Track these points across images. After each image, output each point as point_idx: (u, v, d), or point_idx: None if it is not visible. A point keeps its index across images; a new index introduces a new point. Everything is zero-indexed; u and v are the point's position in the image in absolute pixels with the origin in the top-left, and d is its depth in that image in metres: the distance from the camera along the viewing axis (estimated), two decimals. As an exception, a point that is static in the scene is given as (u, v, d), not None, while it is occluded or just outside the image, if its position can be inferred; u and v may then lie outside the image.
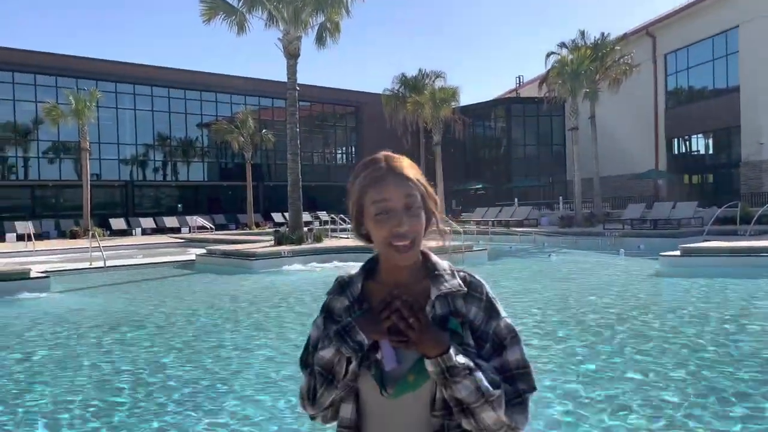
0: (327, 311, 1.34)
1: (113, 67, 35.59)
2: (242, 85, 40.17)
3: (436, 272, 1.27)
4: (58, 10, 74.41)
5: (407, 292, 1.21)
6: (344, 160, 48.76)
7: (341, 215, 25.33)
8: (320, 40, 20.44)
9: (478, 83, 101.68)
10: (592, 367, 5.67)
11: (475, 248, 16.90)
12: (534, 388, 1.23)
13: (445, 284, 1.25)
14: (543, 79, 29.83)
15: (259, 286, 12.37)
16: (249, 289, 11.97)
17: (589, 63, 26.95)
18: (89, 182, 29.57)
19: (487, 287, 1.28)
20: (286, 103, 20.24)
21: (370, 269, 1.34)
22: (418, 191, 1.25)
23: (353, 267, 1.37)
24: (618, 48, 28.13)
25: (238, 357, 6.54)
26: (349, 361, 1.21)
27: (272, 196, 40.14)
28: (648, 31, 34.36)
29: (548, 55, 28.47)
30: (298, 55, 19.53)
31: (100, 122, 33.54)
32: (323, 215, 31.66)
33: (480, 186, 42.26)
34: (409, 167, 1.27)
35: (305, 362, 1.32)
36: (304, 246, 17.48)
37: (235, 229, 34.51)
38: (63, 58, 33.94)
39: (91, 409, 4.82)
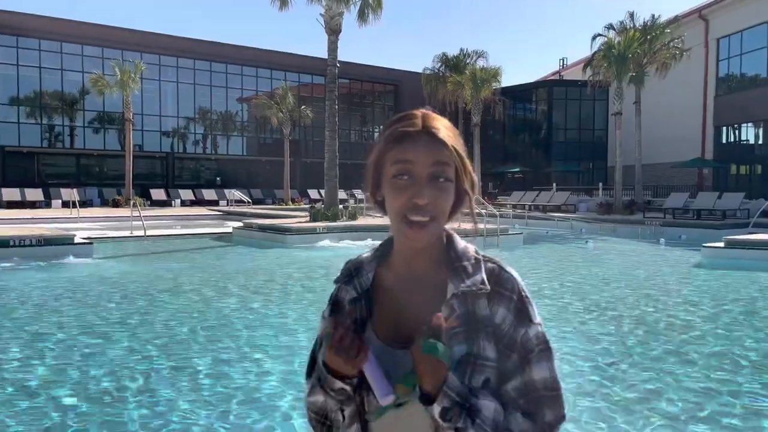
0: (334, 303, 1.14)
1: (157, 39, 36.08)
2: (283, 61, 40.33)
3: (456, 263, 1.05)
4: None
5: (421, 287, 1.06)
6: (381, 139, 48.68)
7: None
8: (362, 16, 20.30)
9: (520, 65, 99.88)
10: (626, 358, 5.58)
11: (510, 232, 16.74)
12: (563, 417, 1.01)
13: (466, 280, 1.03)
14: (588, 62, 29.09)
15: (293, 260, 12.52)
16: (283, 263, 12.12)
17: (638, 46, 26.14)
18: (132, 153, 30.23)
19: (521, 283, 1.05)
20: (326, 79, 20.22)
21: (383, 254, 1.14)
22: (451, 161, 1.01)
23: (368, 248, 1.18)
24: (668, 31, 27.18)
25: (268, 326, 6.64)
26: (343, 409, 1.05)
27: (309, 173, 40.43)
28: (701, 14, 33.07)
29: (594, 37, 27.73)
30: (340, 31, 19.46)
31: (144, 94, 34.14)
32: (358, 193, 31.75)
33: (517, 169, 41.74)
34: (449, 131, 1.04)
35: (311, 367, 1.13)
36: (338, 223, 17.58)
37: (272, 204, 34.93)
38: (109, 30, 34.56)
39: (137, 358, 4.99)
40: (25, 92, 33.67)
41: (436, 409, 0.94)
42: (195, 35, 40.16)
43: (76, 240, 12.86)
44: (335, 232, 16.34)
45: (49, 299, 8.17)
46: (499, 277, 1.04)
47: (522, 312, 1.02)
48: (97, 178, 35.48)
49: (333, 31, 19.30)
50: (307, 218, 18.35)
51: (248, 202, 32.72)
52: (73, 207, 23.69)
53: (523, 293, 1.04)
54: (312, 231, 16.11)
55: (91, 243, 12.88)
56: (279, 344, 5.95)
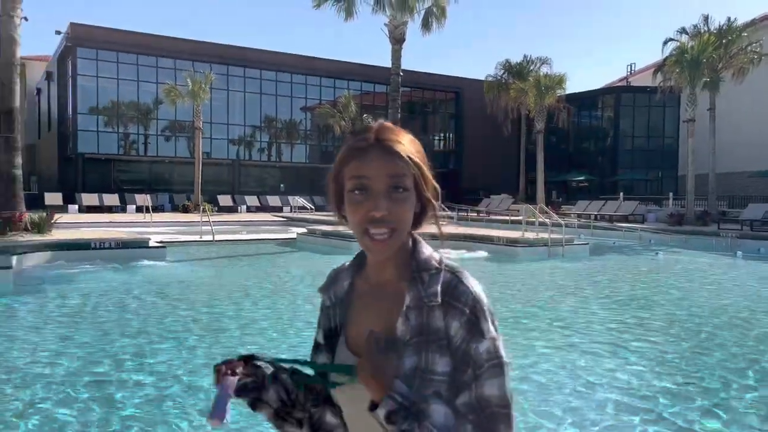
0: (320, 308, 1.19)
1: (226, 50, 37.35)
2: (346, 70, 40.93)
3: (415, 273, 1.04)
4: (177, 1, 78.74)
5: (384, 296, 1.07)
6: (441, 146, 48.63)
7: (438, 202, 25.27)
8: (426, 25, 20.43)
9: (585, 71, 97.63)
10: (698, 374, 5.36)
11: (576, 242, 16.37)
12: None
13: (421, 292, 1.02)
14: (658, 67, 28.18)
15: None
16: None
17: (712, 50, 25.11)
18: (201, 160, 31.35)
19: (479, 296, 1.00)
20: (389, 88, 20.41)
21: (359, 263, 1.14)
22: (408, 171, 1.01)
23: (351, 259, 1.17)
24: (745, 35, 26.02)
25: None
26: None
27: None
28: (781, 16, 31.49)
29: (666, 42, 26.84)
30: (403, 40, 19.62)
31: (212, 103, 35.35)
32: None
33: (582, 178, 40.78)
34: (404, 142, 1.03)
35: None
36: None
37: (334, 210, 35.33)
38: (182, 42, 36.05)
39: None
40: (103, 103, 35.49)
41: (381, 412, 0.94)
42: (262, 46, 41.29)
43: (151, 244, 13.45)
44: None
45: (131, 299, 8.59)
46: (455, 290, 1.01)
47: (474, 326, 0.98)
48: (168, 184, 36.92)
49: (397, 40, 19.48)
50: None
51: (311, 208, 33.30)
52: (146, 212, 24.76)
53: (477, 306, 0.99)
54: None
55: (164, 247, 13.44)
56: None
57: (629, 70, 47.29)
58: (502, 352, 0.99)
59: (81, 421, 4.11)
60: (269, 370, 1.16)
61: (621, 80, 47.21)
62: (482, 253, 14.80)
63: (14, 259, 10.46)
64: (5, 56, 14.45)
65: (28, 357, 5.64)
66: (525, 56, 37.69)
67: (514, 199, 33.37)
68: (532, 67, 37.04)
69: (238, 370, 1.10)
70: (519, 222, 19.61)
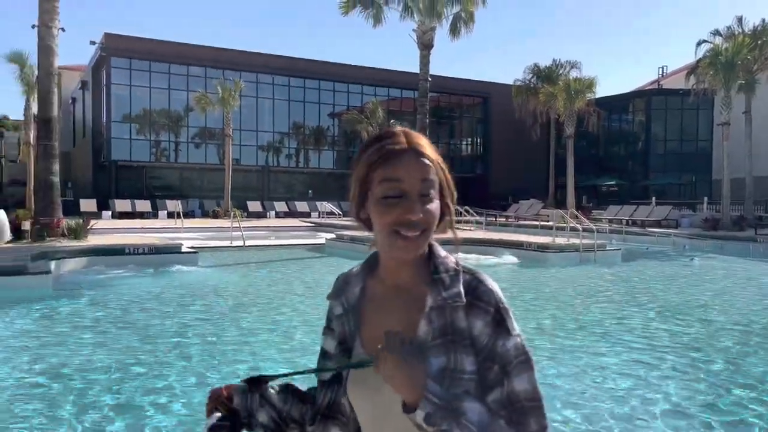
0: (327, 318, 1.18)
1: (255, 58, 37.80)
2: (373, 76, 41.07)
3: (435, 275, 1.06)
4: (206, 10, 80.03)
5: (403, 299, 1.08)
6: (469, 151, 48.45)
7: (466, 207, 25.21)
8: (454, 30, 20.41)
9: (615, 75, 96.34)
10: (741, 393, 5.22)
11: (608, 247, 16.12)
12: (546, 427, 1.01)
13: (443, 293, 1.04)
14: (691, 70, 27.65)
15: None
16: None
17: (747, 52, 24.56)
18: (230, 166, 31.74)
19: (499, 295, 1.04)
20: (417, 93, 20.43)
21: (371, 267, 1.15)
22: (436, 177, 1.05)
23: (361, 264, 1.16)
24: (782, 35, 25.36)
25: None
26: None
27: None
28: (820, 15, 30.61)
29: (699, 44, 26.34)
30: (432, 46, 19.62)
31: (242, 110, 35.78)
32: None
33: (613, 182, 40.19)
34: (431, 147, 1.07)
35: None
36: (429, 236, 17.57)
37: (361, 216, 35.37)
38: (211, 51, 36.60)
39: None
40: (136, 111, 36.20)
41: (420, 415, 0.94)
42: (290, 53, 41.68)
43: (183, 249, 13.65)
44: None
45: (167, 303, 8.72)
46: (476, 290, 1.04)
47: (500, 324, 1.02)
48: (199, 190, 37.44)
49: (425, 45, 19.49)
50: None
51: (339, 214, 33.42)
52: (177, 218, 25.13)
53: (500, 305, 1.03)
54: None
55: (196, 252, 13.63)
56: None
57: (661, 72, 46.59)
58: (528, 348, 1.02)
59: (117, 421, 4.18)
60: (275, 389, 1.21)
61: (652, 83, 46.46)
62: (512, 259, 14.67)
63: (53, 264, 10.72)
64: (44, 66, 14.87)
65: (69, 358, 5.76)
66: (554, 60, 37.41)
67: (544, 204, 33.04)
68: (561, 71, 36.70)
69: (228, 399, 1.17)
70: (549, 227, 19.39)
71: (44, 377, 5.21)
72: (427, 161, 1.04)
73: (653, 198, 31.91)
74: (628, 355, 6.14)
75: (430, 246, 1.09)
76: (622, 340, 6.83)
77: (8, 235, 13.26)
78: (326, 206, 33.87)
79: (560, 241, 15.91)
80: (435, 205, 1.03)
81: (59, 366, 5.53)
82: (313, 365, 1.19)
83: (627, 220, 26.07)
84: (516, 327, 1.03)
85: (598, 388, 5.06)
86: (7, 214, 13.76)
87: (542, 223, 24.01)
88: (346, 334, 1.13)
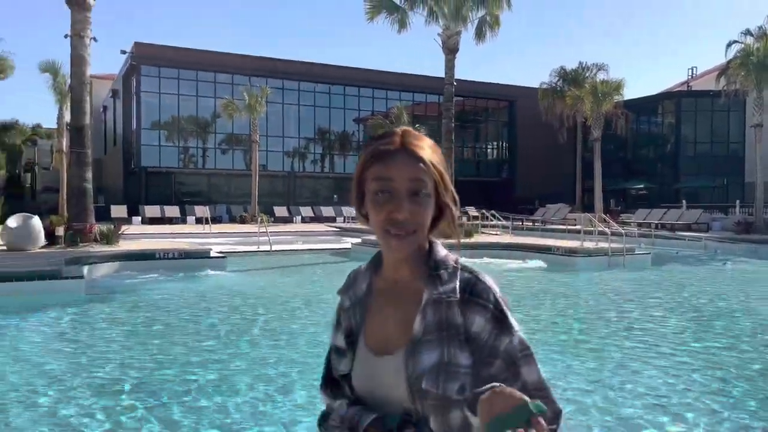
0: (336, 313, 1.22)
1: (282, 65, 38.17)
2: (398, 81, 41.15)
3: (433, 272, 1.09)
4: (236, 22, 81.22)
5: (402, 295, 1.10)
6: (495, 156, 48.19)
7: (492, 211, 25.07)
8: (479, 35, 20.34)
9: (642, 77, 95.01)
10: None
11: (637, 251, 15.89)
12: (561, 410, 1.03)
13: (439, 288, 1.06)
14: (722, 71, 27.10)
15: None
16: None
17: (780, 51, 24.00)
18: (257, 172, 32.05)
19: (497, 292, 1.06)
20: (443, 98, 20.40)
21: (377, 264, 1.19)
22: (429, 177, 1.06)
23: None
24: (816, 34, 24.72)
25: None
26: None
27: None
28: None
29: (729, 45, 25.81)
30: (457, 50, 19.59)
31: (268, 116, 36.14)
32: (472, 210, 31.52)
33: (641, 185, 39.59)
34: (427, 148, 1.08)
35: (326, 379, 1.20)
36: (453, 240, 17.48)
37: (387, 221, 35.40)
38: (238, 58, 37.06)
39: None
40: (164, 118, 36.81)
41: None
42: (315, 59, 41.99)
43: (212, 254, 13.83)
44: (449, 250, 16.28)
45: (198, 308, 8.85)
46: (474, 287, 1.06)
47: (502, 322, 1.04)
48: (226, 196, 37.88)
49: (450, 50, 19.46)
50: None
51: (364, 219, 33.43)
52: (205, 223, 25.46)
53: (500, 303, 1.05)
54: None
55: (224, 257, 13.78)
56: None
57: (690, 74, 45.80)
58: (527, 341, 1.05)
59: (150, 423, 4.25)
60: None
61: (681, 84, 45.72)
62: (539, 263, 14.55)
63: (86, 269, 10.96)
64: (77, 75, 15.22)
65: (102, 360, 5.88)
66: (580, 63, 37.02)
67: (571, 208, 32.68)
68: (587, 74, 36.31)
69: None
70: (576, 232, 19.18)
71: (78, 379, 5.32)
72: (418, 161, 1.06)
73: (683, 201, 31.35)
74: (667, 360, 6.04)
75: (431, 244, 1.12)
76: (659, 345, 6.72)
77: (43, 240, 13.57)
78: (351, 211, 33.91)
79: (588, 245, 15.72)
80: (426, 205, 1.06)
81: (92, 368, 5.65)
82: None
83: (656, 224, 25.65)
84: (516, 323, 1.05)
85: (642, 397, 4.99)
86: (41, 220, 14.09)
87: (569, 227, 23.76)
88: (352, 326, 1.16)
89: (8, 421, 4.32)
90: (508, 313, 1.05)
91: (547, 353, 6.03)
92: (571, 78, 36.58)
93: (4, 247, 13.25)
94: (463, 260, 1.13)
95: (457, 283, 1.06)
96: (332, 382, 1.18)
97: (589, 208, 30.80)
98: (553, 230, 24.74)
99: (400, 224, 1.04)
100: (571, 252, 15.01)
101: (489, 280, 1.08)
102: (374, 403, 1.09)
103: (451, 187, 1.11)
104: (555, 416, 1.01)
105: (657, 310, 9.00)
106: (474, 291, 1.06)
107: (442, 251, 1.12)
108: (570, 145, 39.56)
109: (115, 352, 6.34)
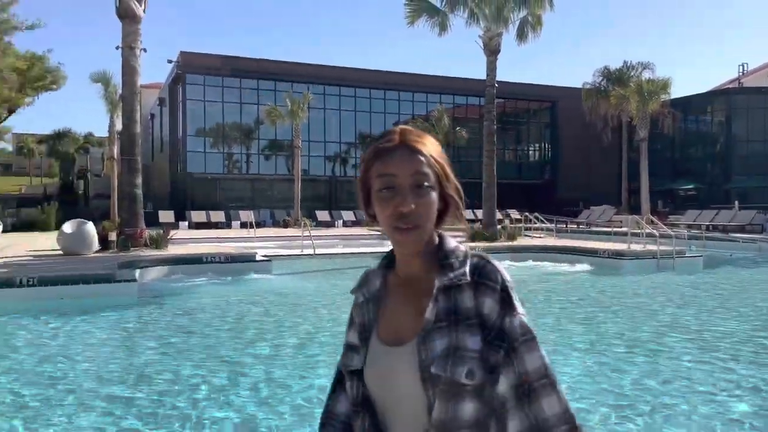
0: (351, 312, 1.25)
1: (322, 71, 38.59)
2: (438, 84, 41.08)
3: (444, 261, 1.10)
4: (277, 28, 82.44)
5: (415, 288, 1.12)
6: (537, 157, 47.55)
7: (535, 213, 24.75)
8: (521, 35, 20.13)
9: (689, 75, 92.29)
10: None
11: (687, 254, 15.45)
12: (565, 408, 1.04)
13: (449, 274, 1.08)
14: (775, 66, 26.17)
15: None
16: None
17: (839, 44, 23.01)
18: (299, 177, 32.44)
19: (505, 275, 1.08)
20: (484, 100, 20.26)
21: (389, 260, 1.21)
22: (431, 170, 1.09)
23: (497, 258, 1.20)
24: None
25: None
26: None
27: (463, 194, 40.53)
28: None
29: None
30: (498, 52, 19.45)
31: (310, 122, 36.56)
32: (514, 213, 31.19)
33: (691, 186, 38.46)
34: (426, 143, 1.12)
35: (337, 379, 1.24)
36: (497, 243, 17.38)
37: (428, 224, 35.34)
38: (280, 65, 37.64)
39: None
40: (209, 125, 37.65)
41: None
42: (355, 64, 42.32)
43: (257, 258, 14.05)
44: (495, 253, 16.15)
45: (248, 310, 9.02)
46: (483, 269, 1.08)
47: (506, 302, 1.05)
48: (269, 201, 38.45)
49: (491, 51, 19.34)
50: (465, 239, 18.37)
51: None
52: (249, 227, 25.88)
53: (506, 284, 1.07)
54: (472, 251, 16.08)
55: (270, 260, 13.99)
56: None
57: (741, 70, 44.34)
58: (531, 327, 1.06)
59: (201, 427, 4.35)
60: None
61: (732, 81, 44.34)
62: (585, 266, 14.30)
63: (137, 273, 11.29)
64: (128, 85, 15.74)
65: (155, 362, 6.05)
66: (625, 62, 36.29)
67: (617, 210, 31.98)
68: (632, 73, 35.55)
69: None
70: (623, 234, 18.74)
71: (131, 380, 5.48)
72: (418, 155, 1.09)
73: (736, 202, 30.31)
74: (729, 366, 5.87)
75: (440, 237, 1.14)
76: (718, 349, 6.53)
77: (97, 245, 14.05)
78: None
79: (636, 247, 15.36)
80: (430, 197, 1.08)
81: (145, 369, 5.82)
82: None
83: (707, 226, 24.86)
84: (520, 306, 1.07)
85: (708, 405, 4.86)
86: (94, 225, 14.59)
87: (615, 229, 23.23)
88: (365, 322, 1.18)
89: (71, 419, 4.48)
90: (514, 295, 1.07)
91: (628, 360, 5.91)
92: (616, 77, 35.88)
93: (61, 252, 13.78)
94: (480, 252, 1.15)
95: (468, 267, 1.09)
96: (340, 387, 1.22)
97: (635, 209, 30.11)
98: (598, 233, 24.22)
99: (406, 218, 1.06)
100: (618, 255, 14.70)
101: (497, 264, 1.10)
102: (384, 399, 1.10)
103: (454, 179, 1.14)
104: (564, 417, 1.03)
105: (713, 313, 8.74)
106: (483, 273, 1.08)
107: (452, 242, 1.14)
108: (614, 146, 38.77)
109: (166, 354, 6.50)
